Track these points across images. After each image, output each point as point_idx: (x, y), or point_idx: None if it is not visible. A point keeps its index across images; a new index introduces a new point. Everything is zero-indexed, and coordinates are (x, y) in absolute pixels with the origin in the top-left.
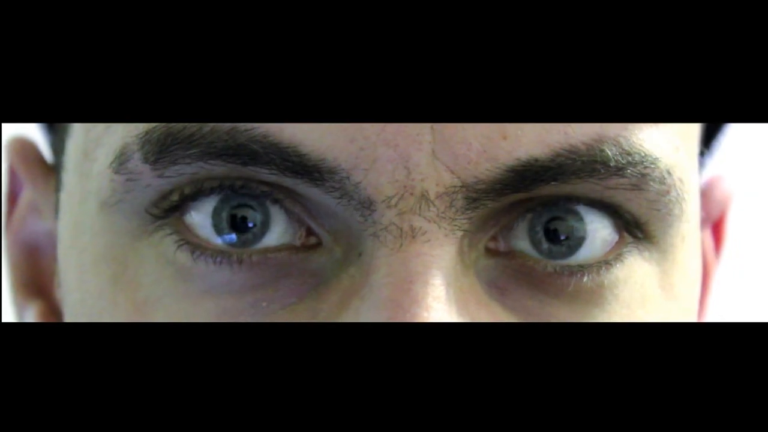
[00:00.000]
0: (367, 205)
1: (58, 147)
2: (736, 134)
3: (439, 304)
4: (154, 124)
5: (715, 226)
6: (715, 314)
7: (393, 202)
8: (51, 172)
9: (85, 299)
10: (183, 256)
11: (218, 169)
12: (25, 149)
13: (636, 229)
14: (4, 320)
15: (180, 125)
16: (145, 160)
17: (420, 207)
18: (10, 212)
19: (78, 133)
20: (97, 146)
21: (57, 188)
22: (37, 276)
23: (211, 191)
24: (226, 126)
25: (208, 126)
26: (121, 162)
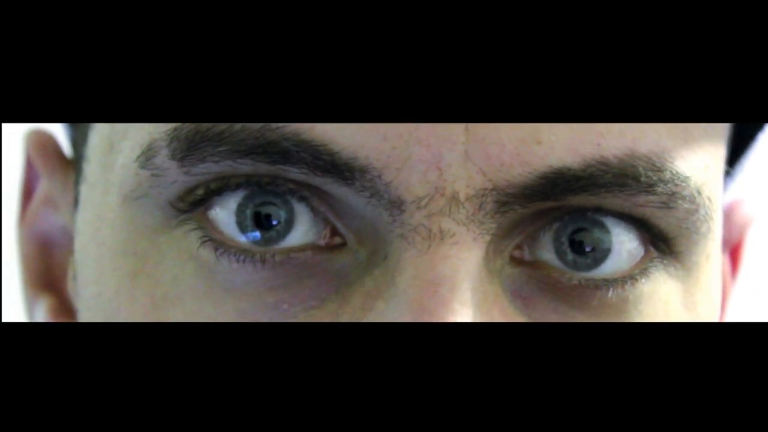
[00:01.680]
0: (397, 205)
1: (79, 139)
2: (757, 157)
3: (465, 308)
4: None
5: (733, 249)
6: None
7: (423, 203)
8: (69, 165)
9: (103, 293)
10: (206, 253)
11: (246, 167)
12: (43, 141)
13: (663, 243)
14: (3, 320)
15: (209, 123)
16: (173, 157)
17: (450, 209)
18: (24, 205)
19: (102, 125)
20: (123, 138)
21: (77, 181)
22: (49, 270)
23: (237, 186)
24: (257, 123)
25: (239, 123)
26: (147, 157)
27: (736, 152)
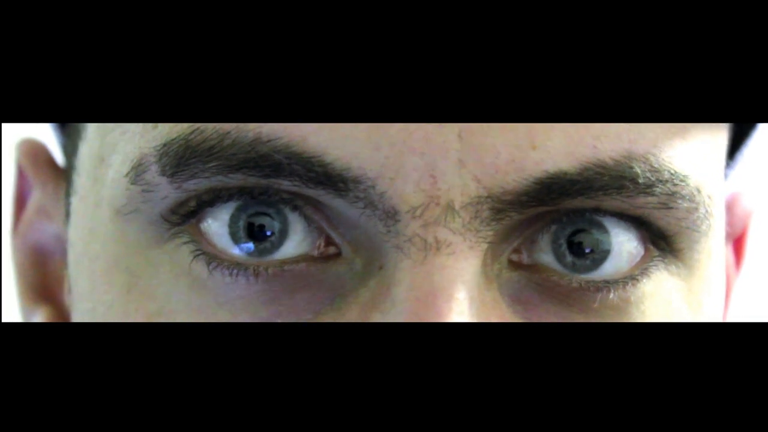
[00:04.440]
0: (391, 215)
1: (70, 150)
2: (757, 147)
3: (463, 319)
4: (172, 136)
5: (736, 241)
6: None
7: (418, 212)
8: (62, 174)
9: (96, 308)
10: (199, 267)
11: (237, 181)
12: (34, 151)
13: (663, 242)
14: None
15: (199, 138)
16: (163, 173)
17: (445, 218)
18: (18, 215)
19: (92, 136)
20: (113, 152)
21: (68, 192)
22: (44, 281)
23: (229, 197)
24: (248, 137)
25: (229, 138)
26: (137, 173)
27: (736, 143)
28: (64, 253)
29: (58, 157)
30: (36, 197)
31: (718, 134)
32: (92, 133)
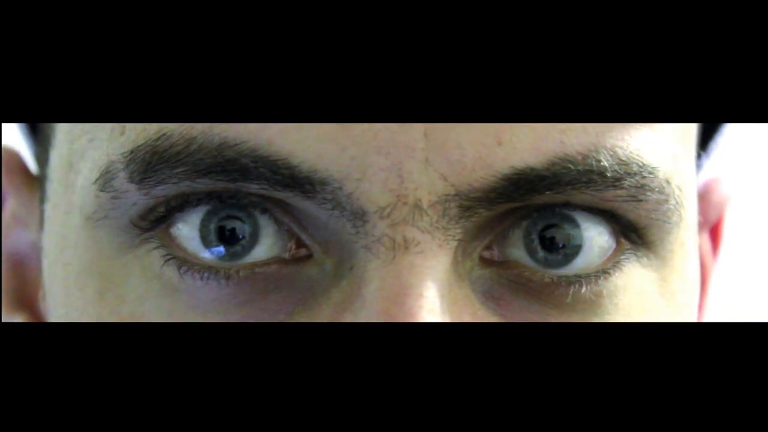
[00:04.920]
0: (359, 216)
1: (41, 157)
2: (731, 134)
3: (433, 317)
4: (139, 143)
5: (712, 229)
6: (712, 314)
7: (386, 212)
8: (35, 182)
9: (70, 314)
10: (169, 271)
11: (205, 186)
12: (8, 159)
13: (634, 234)
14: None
15: (166, 143)
16: (131, 180)
17: (413, 217)
18: None
19: (62, 143)
20: (81, 159)
21: (41, 200)
22: (22, 288)
23: (199, 202)
24: (215, 142)
25: (196, 143)
26: (106, 180)
27: (709, 132)
28: (39, 260)
29: (32, 164)
30: (11, 205)
31: (687, 126)
32: (61, 140)
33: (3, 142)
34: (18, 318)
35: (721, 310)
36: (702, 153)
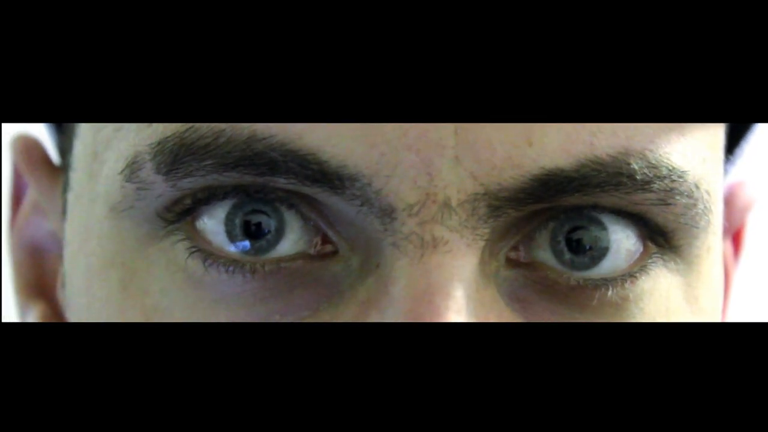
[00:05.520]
0: (388, 213)
1: (65, 146)
2: (756, 139)
3: (460, 317)
4: (167, 134)
5: (735, 233)
6: (732, 318)
7: (415, 210)
8: (56, 171)
9: (92, 304)
10: (194, 264)
11: (233, 179)
12: (29, 148)
13: (661, 238)
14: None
15: (194, 135)
16: (158, 171)
17: (442, 215)
18: (14, 211)
19: (86, 133)
20: (107, 149)
21: (64, 189)
22: (40, 277)
23: (225, 196)
24: (243, 135)
25: (224, 136)
26: (132, 171)
27: (735, 137)
28: (59, 249)
29: (53, 152)
30: (31, 194)
31: (716, 130)
32: (86, 129)
33: (24, 131)
34: (34, 307)
35: (740, 314)
36: (728, 158)
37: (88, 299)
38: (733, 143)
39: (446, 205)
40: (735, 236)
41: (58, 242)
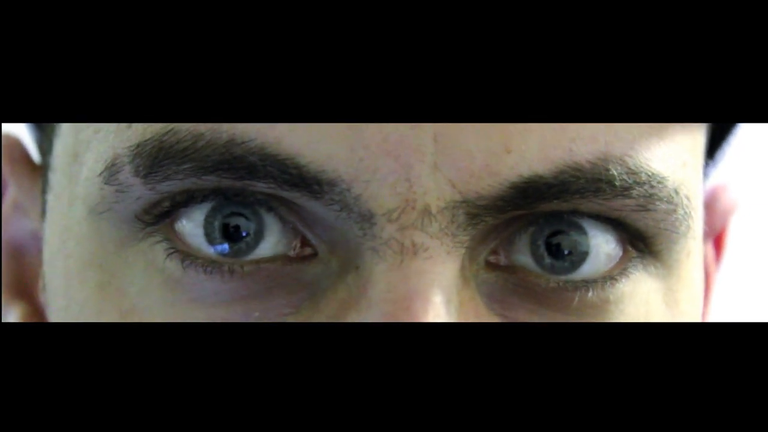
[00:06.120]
0: (367, 218)
1: (45, 146)
2: (737, 141)
3: (439, 320)
4: (146, 137)
5: (716, 237)
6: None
7: (394, 216)
8: (37, 171)
9: (71, 306)
10: (172, 265)
11: (211, 183)
12: (9, 147)
13: (641, 243)
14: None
15: (173, 139)
16: (136, 174)
17: (422, 222)
18: None
19: (67, 133)
20: (87, 150)
21: (44, 189)
22: (21, 277)
23: (204, 198)
24: (222, 139)
25: (203, 140)
26: (111, 173)
27: (717, 139)
28: (39, 249)
29: (34, 152)
30: (11, 193)
31: (696, 134)
32: (66, 130)
33: (5, 130)
34: (15, 308)
35: (721, 317)
36: (709, 162)
37: (67, 300)
38: (714, 146)
39: (426, 211)
40: (717, 240)
41: (39, 242)
